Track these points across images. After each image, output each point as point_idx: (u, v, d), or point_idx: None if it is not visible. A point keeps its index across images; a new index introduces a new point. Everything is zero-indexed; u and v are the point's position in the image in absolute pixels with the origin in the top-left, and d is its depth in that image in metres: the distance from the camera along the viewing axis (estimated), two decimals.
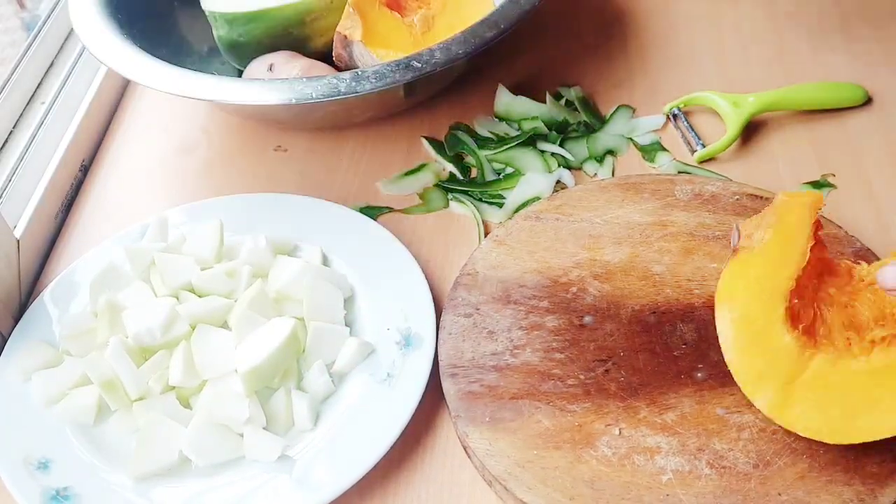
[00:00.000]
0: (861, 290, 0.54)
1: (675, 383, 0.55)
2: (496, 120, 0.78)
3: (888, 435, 0.49)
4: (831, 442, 0.50)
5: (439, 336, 0.59)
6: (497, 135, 0.77)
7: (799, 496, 0.50)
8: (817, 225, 0.54)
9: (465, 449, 0.55)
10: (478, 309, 0.60)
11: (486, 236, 0.68)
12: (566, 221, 0.65)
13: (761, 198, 0.66)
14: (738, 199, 0.66)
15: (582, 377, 0.56)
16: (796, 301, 0.52)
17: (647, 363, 0.56)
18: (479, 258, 0.64)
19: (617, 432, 0.53)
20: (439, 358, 0.58)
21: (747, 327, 0.53)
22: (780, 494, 0.50)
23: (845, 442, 0.50)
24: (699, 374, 0.56)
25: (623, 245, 0.64)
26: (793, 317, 0.52)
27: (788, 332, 0.51)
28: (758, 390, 0.52)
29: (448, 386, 0.56)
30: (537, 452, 0.52)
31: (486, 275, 0.62)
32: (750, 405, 0.52)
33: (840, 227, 0.63)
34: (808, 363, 0.50)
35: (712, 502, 0.50)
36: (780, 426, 0.51)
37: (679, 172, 0.72)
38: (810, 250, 0.53)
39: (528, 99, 0.79)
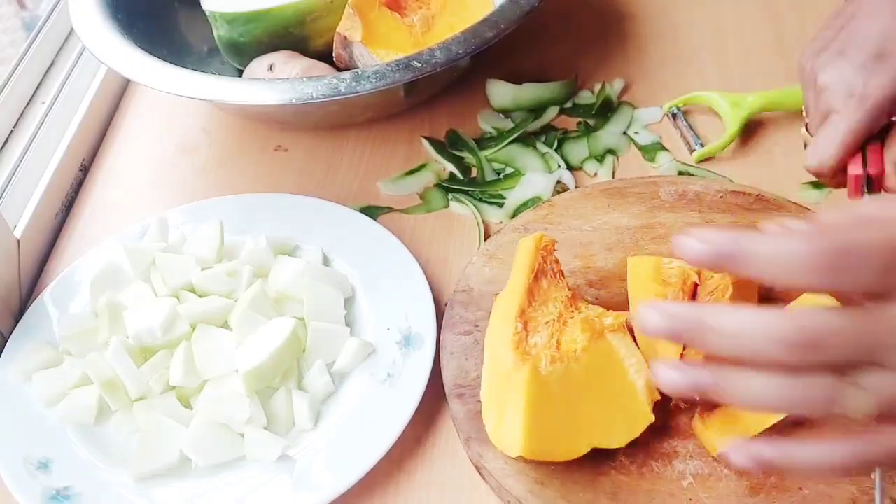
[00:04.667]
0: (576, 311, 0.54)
1: None
2: (501, 115, 0.79)
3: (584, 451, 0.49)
4: (530, 457, 0.48)
5: (441, 357, 0.57)
6: (500, 130, 0.77)
7: (820, 489, 0.49)
8: (544, 258, 0.55)
9: (478, 470, 0.53)
10: (477, 326, 0.59)
11: (486, 238, 0.68)
12: (555, 231, 0.64)
13: (745, 194, 0.65)
14: (721, 197, 0.66)
15: None
16: (520, 327, 0.52)
17: None
18: (472, 274, 0.62)
19: None
20: (444, 380, 0.56)
21: (493, 362, 0.53)
22: (801, 489, 0.49)
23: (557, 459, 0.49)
24: None
25: (614, 251, 0.63)
26: (518, 343, 0.52)
27: (512, 353, 0.51)
28: (487, 419, 0.51)
29: (456, 407, 0.54)
30: (555, 468, 0.51)
31: (482, 290, 0.61)
32: None
33: None
34: (515, 379, 0.50)
35: None
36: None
37: (680, 173, 0.72)
38: (534, 279, 0.54)
39: (532, 84, 0.79)
